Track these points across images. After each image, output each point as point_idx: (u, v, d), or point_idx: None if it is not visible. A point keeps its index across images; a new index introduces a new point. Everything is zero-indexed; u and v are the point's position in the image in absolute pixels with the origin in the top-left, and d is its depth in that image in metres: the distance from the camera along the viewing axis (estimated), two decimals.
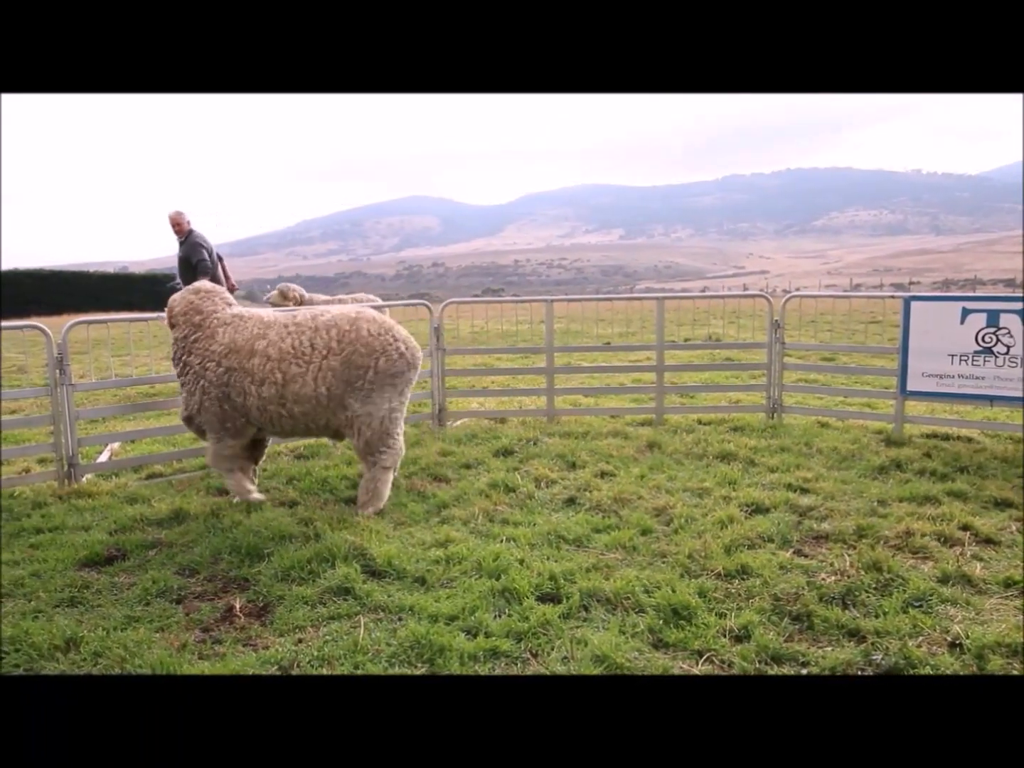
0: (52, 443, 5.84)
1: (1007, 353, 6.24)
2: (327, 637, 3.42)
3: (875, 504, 5.01)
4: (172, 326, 5.36)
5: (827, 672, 3.07)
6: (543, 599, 3.75)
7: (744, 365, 9.75)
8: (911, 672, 3.04)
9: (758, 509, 4.97)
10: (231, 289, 9.11)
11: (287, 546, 4.38)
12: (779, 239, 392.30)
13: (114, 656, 3.22)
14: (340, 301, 11.55)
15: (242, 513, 4.97)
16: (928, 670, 3.03)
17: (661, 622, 3.47)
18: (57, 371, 5.74)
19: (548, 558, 4.19)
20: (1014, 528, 4.57)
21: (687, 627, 3.42)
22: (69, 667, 3.19)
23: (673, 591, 3.71)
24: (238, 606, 3.75)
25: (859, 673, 3.08)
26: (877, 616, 3.50)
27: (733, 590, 3.81)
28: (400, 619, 3.57)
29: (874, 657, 3.17)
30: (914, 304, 6.65)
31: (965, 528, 4.54)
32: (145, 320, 7.18)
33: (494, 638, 3.33)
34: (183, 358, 5.21)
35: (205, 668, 3.16)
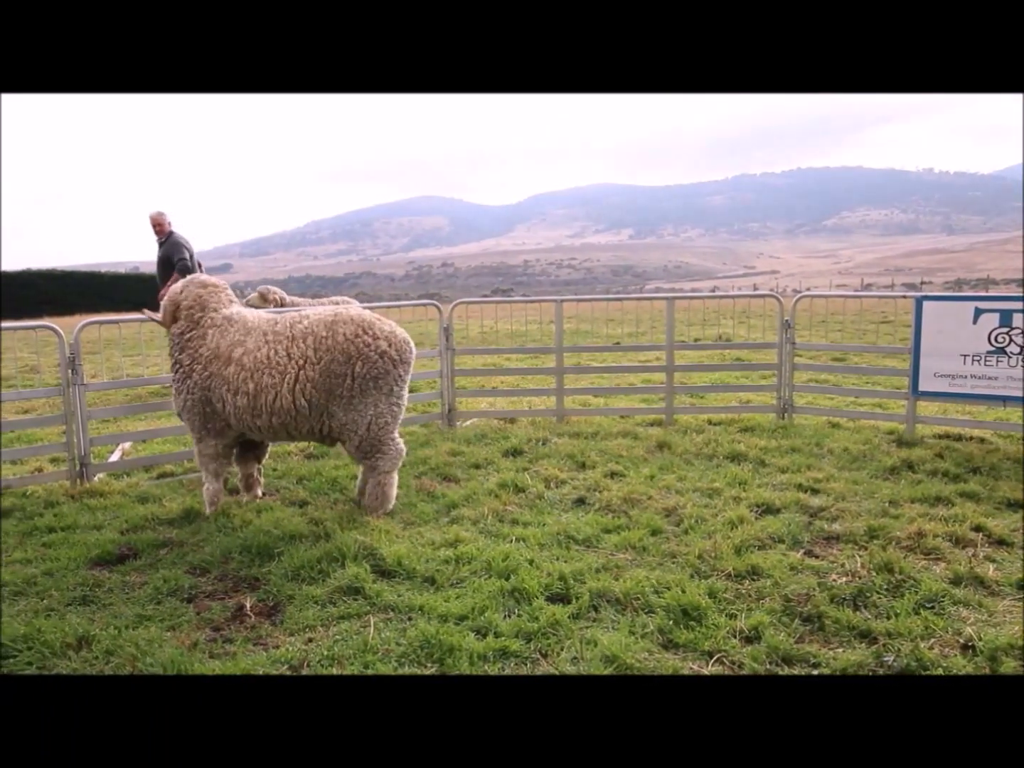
0: (64, 442, 5.87)
1: (1020, 353, 6.19)
2: (337, 637, 3.43)
3: (887, 505, 4.98)
4: (174, 319, 5.19)
5: (838, 674, 3.05)
6: (553, 599, 3.74)
7: (754, 365, 9.72)
8: (923, 674, 3.01)
9: (769, 510, 4.95)
10: None
11: (297, 546, 4.40)
12: (790, 239, 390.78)
13: (126, 654, 3.24)
14: (320, 303, 11.58)
15: (252, 513, 5.00)
16: (940, 672, 3.01)
17: (671, 623, 3.46)
18: (69, 371, 5.77)
19: (558, 558, 4.19)
20: None
21: (697, 628, 3.41)
22: (81, 665, 3.21)
23: (683, 592, 3.70)
24: (248, 605, 3.76)
25: (871, 675, 3.06)
26: (889, 618, 3.48)
27: (743, 591, 3.80)
28: (410, 619, 3.57)
29: (886, 659, 3.15)
30: (926, 304, 6.60)
31: (978, 529, 4.51)
32: (157, 320, 7.21)
33: (504, 638, 3.33)
34: (176, 355, 5.10)
35: (216, 667, 3.18)
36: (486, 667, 3.14)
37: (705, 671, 3.10)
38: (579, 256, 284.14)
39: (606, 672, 3.07)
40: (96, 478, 5.95)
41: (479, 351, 11.19)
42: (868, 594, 3.70)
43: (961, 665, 3.05)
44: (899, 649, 3.20)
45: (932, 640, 3.28)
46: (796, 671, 3.10)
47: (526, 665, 3.18)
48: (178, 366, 5.07)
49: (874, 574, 3.90)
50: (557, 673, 3.09)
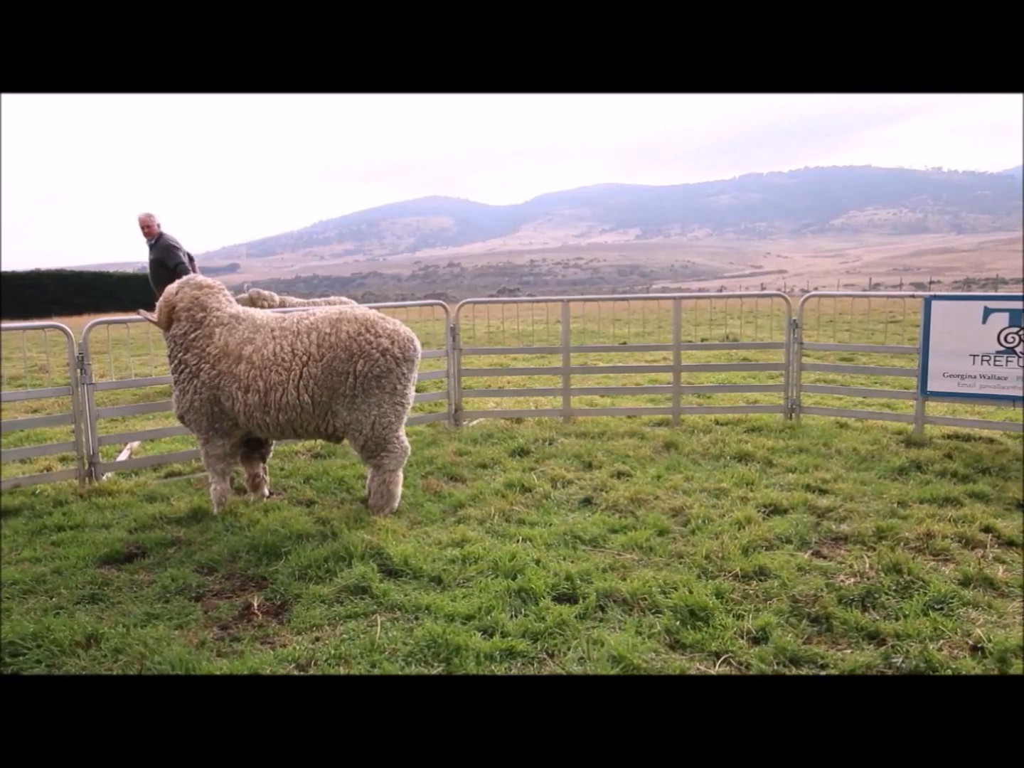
0: (73, 442, 5.90)
1: None
2: (344, 636, 3.43)
3: (895, 505, 4.96)
4: (171, 321, 5.15)
5: (845, 674, 3.04)
6: (559, 599, 3.74)
7: (761, 365, 9.69)
8: (932, 676, 3.00)
9: (776, 510, 4.93)
10: None
11: (304, 545, 4.41)
12: (797, 238, 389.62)
13: (134, 653, 3.25)
14: (314, 304, 11.51)
15: (260, 512, 5.01)
16: (949, 674, 2.99)
17: (678, 623, 3.45)
18: (78, 370, 5.80)
19: (564, 558, 4.19)
20: None
21: (704, 628, 3.40)
22: (90, 663, 3.23)
23: (690, 592, 3.69)
24: (256, 604, 3.77)
25: (876, 675, 3.05)
26: (897, 619, 3.46)
27: (751, 591, 3.79)
28: (416, 618, 3.58)
29: (894, 660, 3.14)
30: (935, 304, 6.57)
31: (987, 530, 4.49)
32: (152, 321, 7.24)
33: (510, 638, 3.33)
34: (180, 355, 5.08)
35: (224, 665, 3.19)
36: (493, 667, 3.14)
37: (712, 672, 3.10)
38: (585, 256, 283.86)
39: (613, 672, 3.06)
40: (104, 477, 5.98)
41: (485, 351, 11.20)
42: (876, 595, 3.68)
43: (970, 667, 3.04)
44: (908, 651, 3.18)
45: (941, 642, 3.26)
46: (804, 672, 3.09)
47: (533, 665, 3.18)
48: (183, 367, 5.05)
49: (882, 575, 3.88)
50: (564, 673, 3.09)
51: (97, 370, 7.43)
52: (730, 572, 3.99)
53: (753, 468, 5.86)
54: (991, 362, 6.32)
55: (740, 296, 10.24)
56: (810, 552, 4.28)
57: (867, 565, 4.01)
